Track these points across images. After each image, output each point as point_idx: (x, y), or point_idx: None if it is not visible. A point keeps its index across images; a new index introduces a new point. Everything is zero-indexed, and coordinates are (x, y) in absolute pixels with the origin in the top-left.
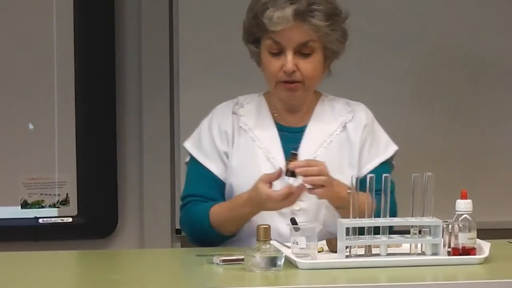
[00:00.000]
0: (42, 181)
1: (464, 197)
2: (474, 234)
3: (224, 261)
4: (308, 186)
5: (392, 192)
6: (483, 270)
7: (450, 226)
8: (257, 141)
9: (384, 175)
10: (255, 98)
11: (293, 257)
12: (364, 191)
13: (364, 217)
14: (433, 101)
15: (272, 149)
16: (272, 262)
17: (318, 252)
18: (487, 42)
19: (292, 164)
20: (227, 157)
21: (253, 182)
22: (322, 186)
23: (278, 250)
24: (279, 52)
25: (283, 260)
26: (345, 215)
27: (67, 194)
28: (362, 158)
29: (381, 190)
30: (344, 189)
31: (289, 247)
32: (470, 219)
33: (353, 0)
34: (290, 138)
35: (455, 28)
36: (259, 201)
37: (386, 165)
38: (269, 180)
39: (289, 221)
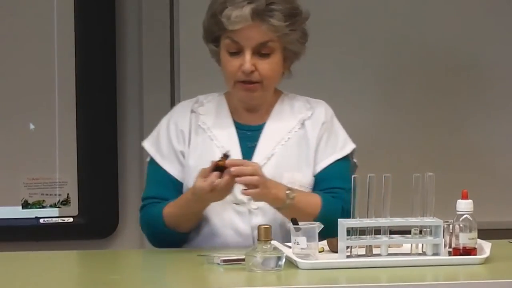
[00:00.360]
0: (43, 181)
1: (465, 197)
2: (475, 234)
3: (224, 261)
4: (242, 186)
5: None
6: (484, 270)
7: (451, 226)
8: (215, 140)
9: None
10: (215, 97)
11: (294, 257)
12: (321, 189)
13: (309, 219)
14: (433, 100)
15: (229, 148)
16: (273, 262)
17: (319, 252)
18: (480, 42)
19: (228, 162)
20: (184, 156)
21: None
22: (256, 186)
23: (279, 250)
24: (237, 52)
25: (284, 260)
26: (287, 216)
27: (67, 194)
28: (318, 155)
29: (331, 188)
30: (282, 190)
31: (290, 247)
32: (471, 219)
33: None
34: (249, 136)
35: (448, 27)
36: (198, 194)
37: (343, 163)
38: (206, 174)
39: (290, 221)
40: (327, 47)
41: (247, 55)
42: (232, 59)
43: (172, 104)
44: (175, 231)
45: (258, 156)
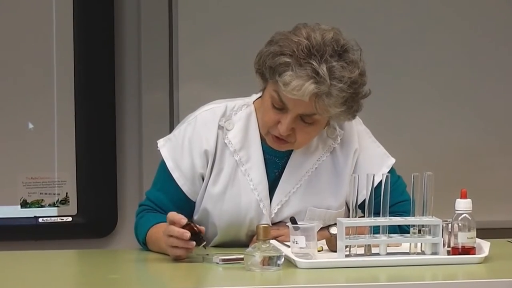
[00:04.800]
0: (42, 180)
1: (463, 196)
2: (473, 233)
3: (223, 260)
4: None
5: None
6: (482, 270)
7: (449, 225)
8: (241, 167)
9: (385, 174)
10: (244, 110)
11: (292, 256)
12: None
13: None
14: (433, 100)
15: (255, 178)
16: (272, 261)
17: (318, 251)
18: (479, 41)
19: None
20: (203, 179)
21: (232, 210)
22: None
23: (278, 250)
24: (281, 108)
25: (282, 259)
26: None
27: (66, 193)
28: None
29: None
30: (325, 234)
31: (288, 246)
32: (470, 218)
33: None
34: (276, 164)
35: (446, 27)
36: (165, 249)
37: (392, 178)
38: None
39: (289, 220)
40: None
41: (288, 119)
42: (273, 112)
43: (171, 104)
44: (149, 249)
45: (283, 187)
